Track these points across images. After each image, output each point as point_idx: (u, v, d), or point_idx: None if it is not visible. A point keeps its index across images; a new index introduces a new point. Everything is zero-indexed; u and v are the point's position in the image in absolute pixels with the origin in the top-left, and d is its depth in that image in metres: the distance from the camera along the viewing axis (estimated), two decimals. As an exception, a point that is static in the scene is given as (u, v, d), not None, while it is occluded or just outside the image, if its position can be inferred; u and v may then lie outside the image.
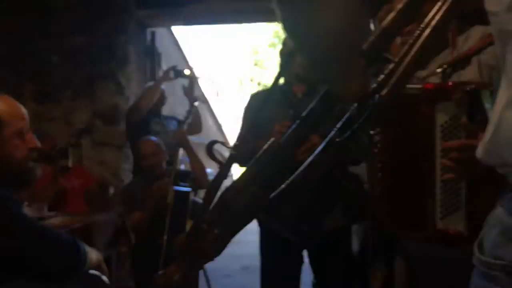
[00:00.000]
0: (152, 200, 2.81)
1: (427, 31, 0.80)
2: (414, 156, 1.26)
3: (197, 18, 4.22)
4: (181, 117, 3.48)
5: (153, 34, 4.44)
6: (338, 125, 0.77)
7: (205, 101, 3.87)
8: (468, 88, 1.14)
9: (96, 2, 3.89)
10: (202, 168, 3.11)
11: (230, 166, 0.85)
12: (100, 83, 3.85)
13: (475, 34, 1.39)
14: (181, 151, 3.09)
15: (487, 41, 1.30)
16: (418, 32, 0.81)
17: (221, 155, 0.89)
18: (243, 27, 13.17)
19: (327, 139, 0.76)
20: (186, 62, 6.49)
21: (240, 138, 2.32)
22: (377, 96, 0.75)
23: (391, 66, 0.80)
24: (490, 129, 0.57)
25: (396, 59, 0.81)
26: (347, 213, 2.12)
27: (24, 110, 1.52)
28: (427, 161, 1.22)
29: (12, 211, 1.37)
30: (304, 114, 0.76)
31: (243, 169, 0.79)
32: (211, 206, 0.77)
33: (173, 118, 3.66)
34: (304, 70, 2.07)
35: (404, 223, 1.32)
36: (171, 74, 3.40)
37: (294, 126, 0.76)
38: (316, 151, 0.75)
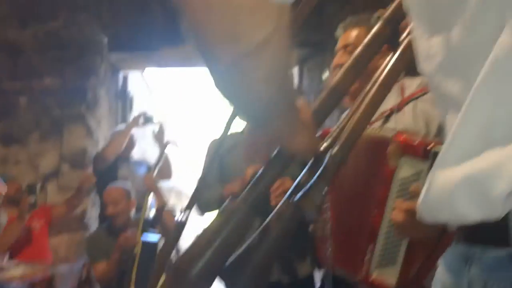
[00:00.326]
0: (118, 251, 2.71)
1: (375, 87, 0.82)
2: (366, 199, 1.27)
3: (170, 61, 4.23)
4: (152, 161, 3.43)
5: (125, 77, 4.42)
6: (293, 186, 0.76)
7: (177, 144, 3.83)
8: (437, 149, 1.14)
9: (68, 44, 3.86)
10: (171, 215, 3.04)
11: (179, 233, 0.82)
12: (69, 126, 3.77)
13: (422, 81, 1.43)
14: (150, 196, 3.02)
15: (424, 89, 1.35)
16: (367, 89, 0.84)
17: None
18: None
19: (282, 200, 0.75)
20: (158, 106, 6.47)
21: (200, 183, 2.33)
22: (328, 154, 0.76)
23: (341, 122, 0.82)
24: (424, 188, 0.58)
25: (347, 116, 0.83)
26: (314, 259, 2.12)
27: None
28: (377, 208, 1.23)
29: None
30: (260, 172, 0.74)
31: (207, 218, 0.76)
32: (165, 274, 0.72)
33: (142, 162, 3.60)
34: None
35: (344, 264, 1.33)
36: (141, 120, 3.37)
37: (250, 185, 0.73)
38: (271, 215, 0.73)
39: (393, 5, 0.85)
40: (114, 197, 2.89)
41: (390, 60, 0.86)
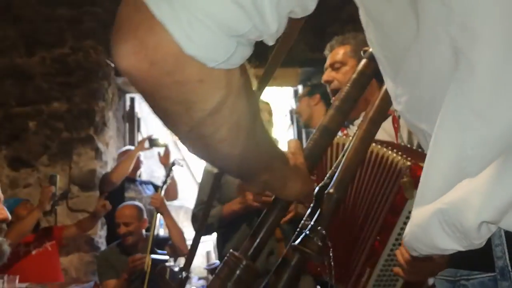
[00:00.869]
0: (128, 272, 2.74)
1: (365, 123, 0.84)
2: (371, 220, 1.28)
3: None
4: (159, 181, 3.48)
5: (132, 99, 4.50)
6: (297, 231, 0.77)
7: (183, 164, 3.89)
8: None
9: (75, 70, 3.95)
10: (180, 234, 3.07)
11: None
12: (77, 149, 3.83)
13: None
14: (158, 216, 3.05)
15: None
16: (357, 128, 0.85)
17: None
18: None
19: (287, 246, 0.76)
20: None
21: (198, 205, 2.35)
22: (325, 193, 0.76)
23: (338, 161, 0.82)
24: (408, 224, 0.62)
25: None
26: None
27: None
28: (382, 234, 1.23)
29: None
30: (259, 220, 0.76)
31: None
32: None
33: (149, 183, 3.65)
34: None
35: (341, 280, 1.33)
36: (146, 143, 3.44)
37: (250, 236, 0.75)
38: (277, 263, 0.75)
39: None
40: (127, 216, 2.93)
41: (379, 96, 0.87)
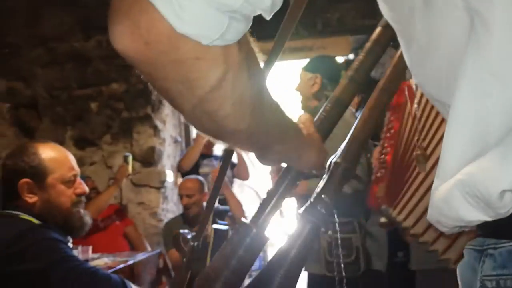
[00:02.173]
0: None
1: (376, 92, 0.82)
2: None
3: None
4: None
5: (184, 77, 4.60)
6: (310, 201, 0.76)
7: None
8: None
9: (130, 50, 4.08)
10: (239, 205, 3.18)
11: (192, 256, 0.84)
12: (137, 127, 4.00)
13: None
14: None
15: None
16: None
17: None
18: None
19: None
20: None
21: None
22: (332, 162, 0.76)
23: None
24: (430, 199, 0.61)
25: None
26: None
27: (71, 158, 1.58)
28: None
29: (64, 252, 1.43)
30: (270, 190, 0.77)
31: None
32: None
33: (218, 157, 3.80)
34: None
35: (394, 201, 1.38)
36: None
37: (260, 205, 0.76)
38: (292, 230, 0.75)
39: None
40: (189, 188, 3.08)
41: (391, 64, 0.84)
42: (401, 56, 0.79)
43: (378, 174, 1.42)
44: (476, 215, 0.53)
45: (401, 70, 0.82)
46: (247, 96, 0.55)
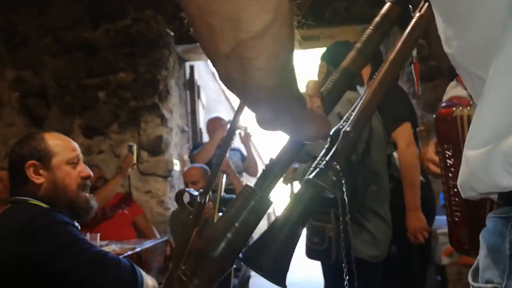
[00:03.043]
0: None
1: (386, 65, 0.82)
2: None
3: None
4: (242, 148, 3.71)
5: (191, 67, 4.62)
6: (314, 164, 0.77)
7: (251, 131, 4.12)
8: None
9: (138, 41, 4.11)
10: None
11: (199, 212, 0.86)
12: (144, 116, 4.03)
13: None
14: (224, 178, 3.20)
15: None
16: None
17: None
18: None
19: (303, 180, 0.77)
20: (223, 92, 6.68)
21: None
22: (342, 131, 0.77)
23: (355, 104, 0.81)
24: (461, 168, 0.63)
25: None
26: None
27: (74, 143, 1.65)
28: None
29: (74, 235, 1.46)
30: (275, 157, 0.77)
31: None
32: (186, 255, 0.75)
33: (237, 149, 3.85)
34: None
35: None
36: (224, 128, 3.61)
37: (263, 170, 0.76)
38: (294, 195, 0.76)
39: None
40: (194, 175, 3.12)
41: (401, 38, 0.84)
42: (408, 35, 0.82)
43: (456, 219, 1.29)
44: (509, 181, 0.56)
45: (410, 45, 0.83)
46: (283, 52, 0.55)
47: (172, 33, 4.14)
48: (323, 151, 0.78)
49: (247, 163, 4.09)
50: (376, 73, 0.83)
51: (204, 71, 5.63)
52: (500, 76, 0.56)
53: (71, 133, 3.91)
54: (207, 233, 0.72)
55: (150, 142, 4.00)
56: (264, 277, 0.72)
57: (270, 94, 0.59)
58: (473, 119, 0.60)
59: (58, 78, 4.17)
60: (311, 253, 2.12)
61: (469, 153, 0.61)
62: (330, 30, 4.00)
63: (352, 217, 1.93)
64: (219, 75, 0.58)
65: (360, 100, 0.81)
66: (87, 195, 1.64)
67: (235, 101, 4.95)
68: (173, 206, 3.95)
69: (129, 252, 2.87)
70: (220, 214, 3.01)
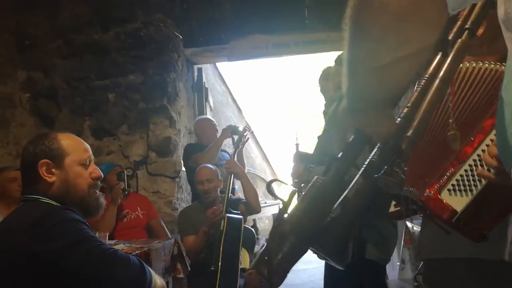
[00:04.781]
0: (207, 225, 2.95)
1: (437, 82, 0.89)
2: (472, 121, 1.27)
3: (239, 54, 4.40)
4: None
5: (199, 70, 4.68)
6: (366, 162, 0.85)
7: (252, 130, 4.09)
8: None
9: (147, 43, 4.17)
10: (254, 193, 3.24)
11: (291, 200, 0.92)
12: (153, 118, 4.09)
13: None
14: (231, 180, 3.24)
15: None
16: (424, 80, 0.89)
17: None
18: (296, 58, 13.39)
19: (360, 173, 0.85)
20: (231, 95, 6.72)
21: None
22: (404, 136, 0.83)
23: (405, 110, 0.87)
24: (502, 138, 0.68)
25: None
26: None
27: (86, 145, 1.67)
28: (476, 136, 1.23)
29: (86, 233, 1.47)
30: (339, 155, 0.84)
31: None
32: (270, 238, 0.85)
33: (225, 151, 3.87)
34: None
35: (417, 179, 1.31)
36: (228, 132, 3.64)
37: (332, 164, 0.84)
38: (353, 187, 0.84)
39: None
40: (209, 173, 3.16)
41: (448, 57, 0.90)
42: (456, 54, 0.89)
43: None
44: None
45: (456, 65, 0.90)
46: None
47: (180, 37, 4.20)
48: (376, 151, 0.84)
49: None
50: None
51: (211, 74, 5.67)
52: None
53: (81, 134, 3.97)
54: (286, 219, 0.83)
55: (158, 143, 4.06)
56: (327, 255, 0.84)
57: (386, 96, 0.71)
58: None
59: (69, 79, 4.23)
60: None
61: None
62: (336, 35, 4.02)
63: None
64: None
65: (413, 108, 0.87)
66: (97, 192, 1.66)
67: (242, 103, 5.02)
68: (180, 206, 3.99)
69: (137, 251, 2.91)
70: (229, 215, 3.06)
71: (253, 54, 4.58)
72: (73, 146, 1.61)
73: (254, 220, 6.43)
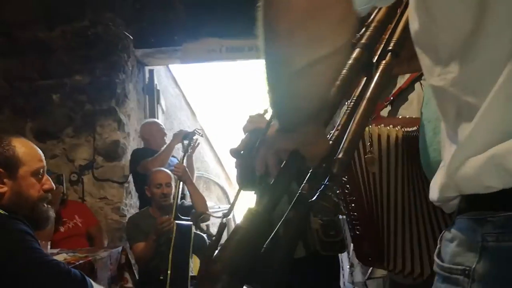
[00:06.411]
0: (156, 233, 2.86)
1: (364, 103, 0.90)
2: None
3: (192, 57, 4.32)
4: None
5: (151, 72, 4.56)
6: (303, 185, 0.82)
7: (202, 134, 4.02)
8: None
9: (96, 42, 4.02)
10: (203, 200, 3.18)
11: (221, 235, 0.88)
12: (100, 120, 3.93)
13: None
14: (181, 185, 3.15)
15: None
16: (352, 102, 0.92)
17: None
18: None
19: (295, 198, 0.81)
20: (184, 98, 6.61)
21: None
22: (336, 158, 0.82)
23: (335, 132, 0.88)
24: (448, 170, 0.67)
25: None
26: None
27: (40, 152, 1.60)
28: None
29: (29, 244, 1.43)
30: (273, 180, 0.81)
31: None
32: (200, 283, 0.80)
33: (174, 156, 3.77)
34: None
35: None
36: (180, 135, 3.56)
37: (265, 192, 0.80)
38: (287, 213, 0.80)
39: (368, 32, 0.92)
40: (167, 177, 3.09)
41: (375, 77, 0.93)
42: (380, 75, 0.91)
43: (357, 232, 1.34)
44: (497, 184, 0.60)
45: (382, 86, 0.92)
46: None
47: (131, 37, 4.07)
48: (310, 175, 0.82)
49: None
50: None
51: (164, 76, 5.55)
52: (495, 101, 0.60)
53: (22, 136, 3.76)
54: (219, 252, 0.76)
55: (105, 147, 3.91)
56: None
57: (313, 107, 0.69)
58: (465, 130, 0.63)
59: (10, 78, 4.01)
60: (326, 247, 2.17)
61: (459, 157, 0.64)
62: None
63: None
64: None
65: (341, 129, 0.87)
66: (47, 206, 1.62)
67: (196, 106, 4.94)
68: (129, 212, 3.85)
69: (81, 261, 2.78)
70: (177, 222, 2.98)
71: (207, 57, 4.51)
72: (29, 154, 1.54)
73: (207, 225, 6.35)
